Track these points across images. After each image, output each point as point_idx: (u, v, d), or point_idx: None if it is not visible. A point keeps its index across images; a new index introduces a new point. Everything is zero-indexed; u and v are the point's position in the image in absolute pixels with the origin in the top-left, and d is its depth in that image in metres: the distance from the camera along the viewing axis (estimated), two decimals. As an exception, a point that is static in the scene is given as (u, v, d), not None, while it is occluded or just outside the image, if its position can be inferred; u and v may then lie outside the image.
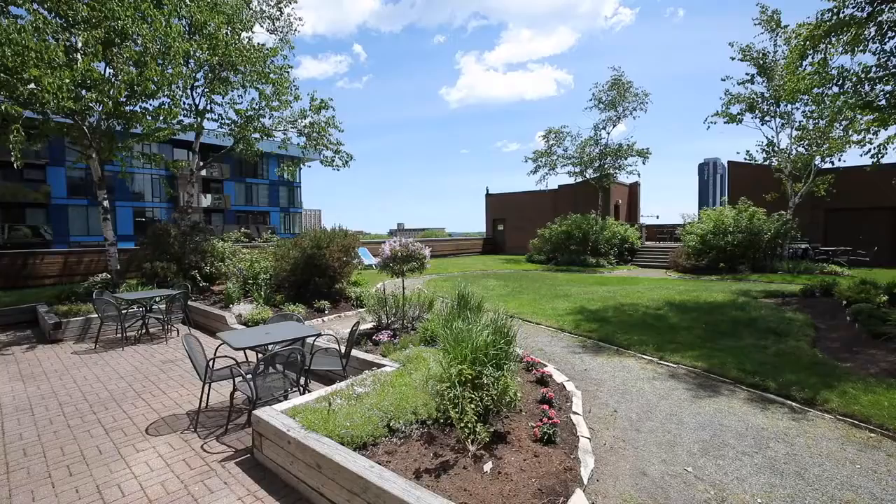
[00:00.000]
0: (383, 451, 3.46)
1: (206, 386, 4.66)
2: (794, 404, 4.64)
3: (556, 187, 27.71)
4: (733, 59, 16.33)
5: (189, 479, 3.52)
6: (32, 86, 7.61)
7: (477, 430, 3.41)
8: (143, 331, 8.13)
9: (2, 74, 7.37)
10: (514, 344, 4.48)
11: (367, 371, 4.85)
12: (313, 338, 5.24)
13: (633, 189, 28.95)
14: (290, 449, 3.45)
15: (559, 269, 19.27)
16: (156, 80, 8.57)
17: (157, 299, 8.37)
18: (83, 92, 8.55)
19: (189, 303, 9.20)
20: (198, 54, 10.92)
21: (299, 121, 13.84)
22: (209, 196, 41.62)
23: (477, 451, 3.41)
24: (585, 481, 3.13)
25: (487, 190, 31.95)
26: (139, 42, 8.61)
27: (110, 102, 8.75)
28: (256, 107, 12.69)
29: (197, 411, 4.68)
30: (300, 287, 10.09)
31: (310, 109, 13.63)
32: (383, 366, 5.17)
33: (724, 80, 16.87)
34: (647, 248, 22.69)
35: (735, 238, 16.44)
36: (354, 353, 5.66)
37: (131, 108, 9.26)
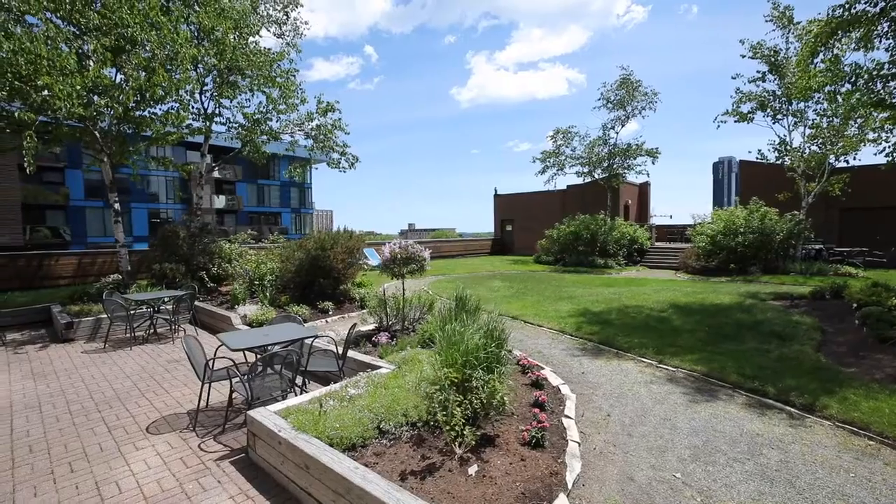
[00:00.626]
0: (372, 453, 3.51)
1: (207, 386, 4.78)
2: (792, 410, 4.57)
3: (565, 187, 27.56)
4: (743, 56, 16.06)
5: (184, 477, 3.61)
6: (46, 93, 7.85)
7: (464, 433, 3.44)
8: (151, 331, 8.31)
9: (16, 82, 7.61)
10: (506, 347, 4.48)
11: (361, 373, 4.90)
12: (311, 339, 5.32)
13: (644, 189, 28.62)
14: (280, 449, 3.52)
15: (567, 270, 19.15)
16: (164, 85, 8.77)
17: (165, 300, 8.56)
18: (94, 98, 8.80)
19: (197, 303, 9.39)
20: (206, 59, 11.15)
21: (306, 123, 14.03)
22: (223, 197, 42.38)
23: (464, 454, 3.43)
24: (570, 486, 3.13)
25: (496, 190, 31.91)
26: (148, 48, 8.81)
27: (120, 108, 8.99)
28: (264, 110, 12.89)
29: (196, 411, 4.78)
30: (305, 288, 10.21)
31: (316, 112, 13.80)
32: (379, 367, 5.22)
33: (734, 77, 16.60)
34: (656, 248, 22.42)
35: (746, 239, 16.15)
36: (352, 354, 5.73)
37: (140, 112, 9.47)
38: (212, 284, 10.86)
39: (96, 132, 9.57)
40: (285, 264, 10.33)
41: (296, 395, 4.63)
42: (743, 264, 16.14)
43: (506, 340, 4.47)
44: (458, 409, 3.56)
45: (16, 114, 7.37)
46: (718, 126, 16.76)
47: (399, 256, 6.91)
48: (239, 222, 42.17)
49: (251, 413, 3.92)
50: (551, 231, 22.29)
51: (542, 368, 5.75)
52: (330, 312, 9.48)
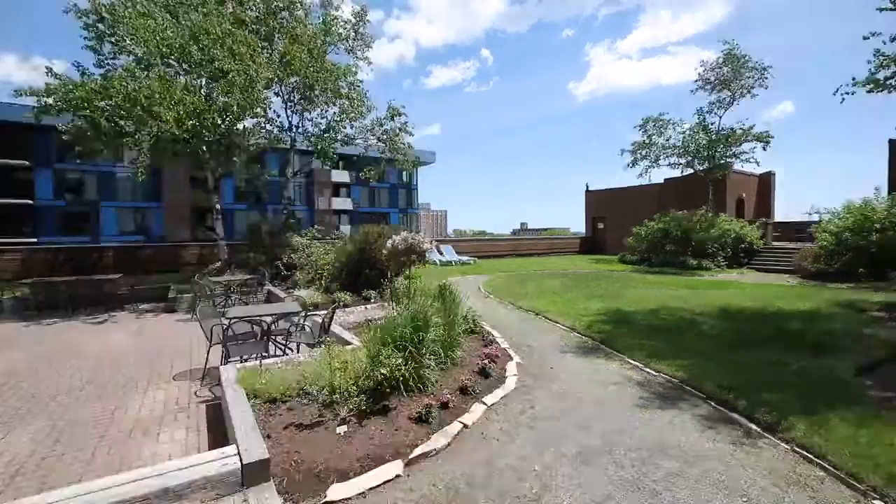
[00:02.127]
0: (286, 407, 4.16)
1: (215, 346, 5.96)
2: (752, 427, 3.95)
3: (663, 181, 24.91)
4: (881, 10, 12.74)
5: (169, 410, 4.70)
6: (160, 121, 10.23)
7: (354, 399, 3.90)
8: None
9: (141, 113, 10.09)
10: (430, 334, 4.75)
11: (321, 347, 5.59)
12: (299, 316, 6.22)
13: (765, 179, 24.30)
14: (227, 395, 4.38)
15: (649, 271, 17.48)
16: (241, 103, 10.69)
17: (237, 282, 10.46)
18: (196, 122, 11.13)
19: (269, 287, 11.21)
20: (291, 79, 13.11)
21: (377, 128, 15.43)
22: (341, 198, 48.18)
23: (346, 416, 3.88)
24: (413, 455, 3.36)
25: (587, 186, 30.25)
26: (230, 77, 10.83)
27: (221, 124, 11.21)
28: (337, 119, 14.59)
29: (205, 366, 5.96)
30: (355, 277, 11.38)
31: (385, 117, 15.09)
32: (350, 344, 5.86)
33: (866, 38, 13.24)
34: (772, 248, 19.03)
35: (884, 237, 12.91)
36: (340, 332, 6.48)
37: (227, 127, 11.65)
38: (286, 272, 12.75)
39: (203, 147, 12.04)
40: (338, 256, 11.65)
41: (265, 358, 5.50)
42: (879, 268, 12.95)
43: (431, 327, 4.74)
44: (348, 377, 4.03)
45: (135, 135, 9.83)
46: (843, 100, 13.50)
47: (399, 248, 7.47)
48: (352, 222, 47.09)
49: (221, 367, 4.89)
50: (639, 229, 20.51)
51: (511, 359, 5.83)
52: (371, 300, 10.44)
